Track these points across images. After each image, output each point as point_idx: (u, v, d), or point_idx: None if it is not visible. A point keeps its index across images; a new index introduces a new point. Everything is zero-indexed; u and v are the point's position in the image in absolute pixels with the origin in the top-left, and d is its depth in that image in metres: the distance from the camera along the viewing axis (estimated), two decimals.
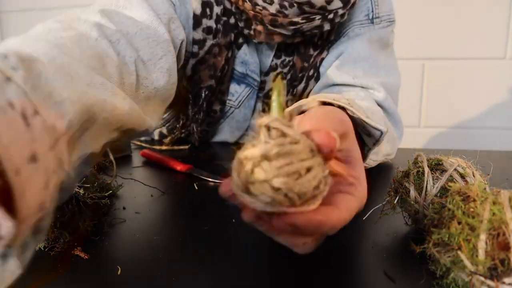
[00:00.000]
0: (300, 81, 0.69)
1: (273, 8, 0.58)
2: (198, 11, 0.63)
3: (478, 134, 1.15)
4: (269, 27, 0.60)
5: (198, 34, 0.64)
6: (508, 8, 1.06)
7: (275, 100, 0.24)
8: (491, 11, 1.07)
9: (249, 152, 0.23)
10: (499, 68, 1.10)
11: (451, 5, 1.09)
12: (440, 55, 1.12)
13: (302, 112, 0.34)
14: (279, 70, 0.68)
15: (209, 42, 0.65)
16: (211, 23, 0.64)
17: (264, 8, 0.59)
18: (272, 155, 0.22)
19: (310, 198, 0.23)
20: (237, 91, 0.71)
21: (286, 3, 0.58)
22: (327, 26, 0.61)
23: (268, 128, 0.23)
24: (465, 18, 1.09)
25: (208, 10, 0.63)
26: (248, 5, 0.60)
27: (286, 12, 0.58)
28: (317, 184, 0.23)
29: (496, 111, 1.13)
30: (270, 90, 0.69)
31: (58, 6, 1.37)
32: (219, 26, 0.64)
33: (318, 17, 0.59)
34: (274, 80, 0.24)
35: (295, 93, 0.70)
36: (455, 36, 1.11)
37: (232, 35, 0.66)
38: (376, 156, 0.56)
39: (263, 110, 0.72)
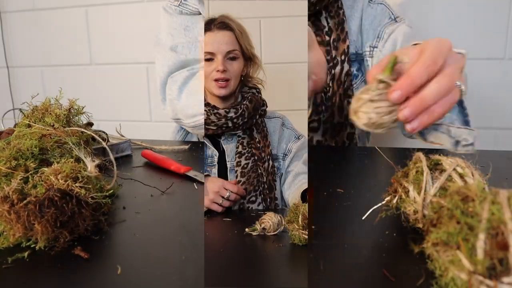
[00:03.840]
0: (335, 65, 0.82)
1: None
2: None
3: (477, 134, 1.15)
4: None
5: None
6: (508, 8, 1.06)
7: (390, 63, 0.39)
8: (491, 11, 1.07)
9: (362, 95, 0.39)
10: (499, 68, 1.09)
11: (451, 5, 1.09)
12: None
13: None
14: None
15: None
16: None
17: None
18: (373, 99, 0.39)
19: (389, 124, 0.40)
20: None
21: None
22: None
23: (379, 81, 0.39)
24: (465, 18, 1.09)
25: None
26: None
27: None
28: (395, 119, 0.39)
29: (496, 111, 1.12)
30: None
31: (58, 6, 1.37)
32: None
33: None
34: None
35: (333, 75, 0.82)
36: (455, 36, 1.10)
37: None
38: None
39: None
